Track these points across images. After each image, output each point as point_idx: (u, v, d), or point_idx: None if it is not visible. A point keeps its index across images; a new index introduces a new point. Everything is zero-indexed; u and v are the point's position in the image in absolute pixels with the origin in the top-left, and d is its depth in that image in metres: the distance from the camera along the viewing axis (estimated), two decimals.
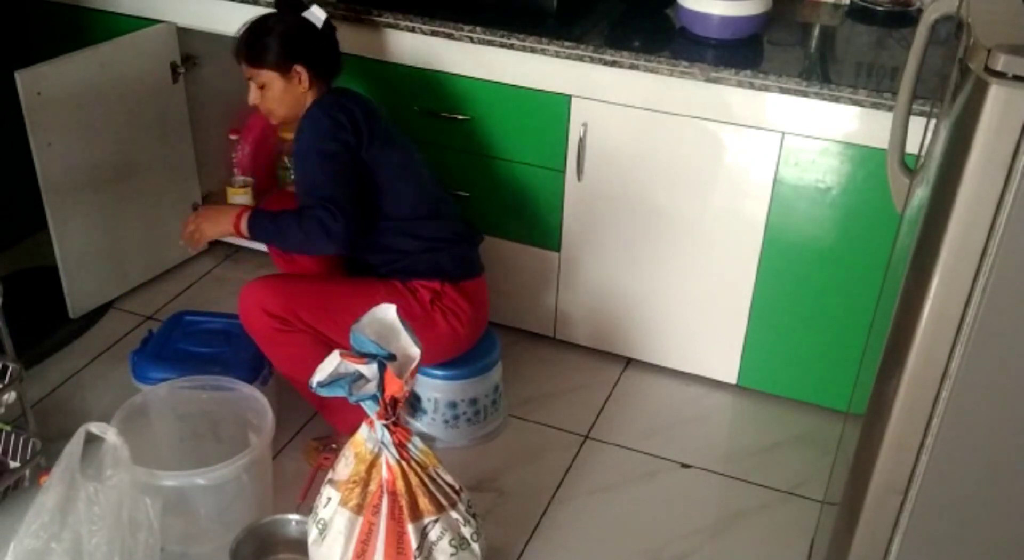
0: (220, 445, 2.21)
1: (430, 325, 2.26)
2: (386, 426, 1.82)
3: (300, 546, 2.01)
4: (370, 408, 1.82)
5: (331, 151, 2.21)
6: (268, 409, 2.14)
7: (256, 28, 2.29)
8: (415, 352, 1.84)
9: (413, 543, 1.85)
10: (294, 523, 2.08)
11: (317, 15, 2.30)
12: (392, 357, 1.81)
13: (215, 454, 2.07)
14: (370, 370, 1.80)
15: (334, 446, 2.30)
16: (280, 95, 2.28)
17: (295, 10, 2.31)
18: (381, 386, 1.79)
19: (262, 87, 2.28)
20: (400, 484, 1.85)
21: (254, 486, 2.10)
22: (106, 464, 1.86)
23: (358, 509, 1.88)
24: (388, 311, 1.88)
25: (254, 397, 2.19)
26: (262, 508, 2.14)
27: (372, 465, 1.88)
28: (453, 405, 2.42)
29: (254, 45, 2.27)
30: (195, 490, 2.02)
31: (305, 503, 2.08)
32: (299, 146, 2.25)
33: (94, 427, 1.88)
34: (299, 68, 2.26)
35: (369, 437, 1.88)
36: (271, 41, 2.25)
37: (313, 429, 2.49)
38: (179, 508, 2.02)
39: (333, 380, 1.81)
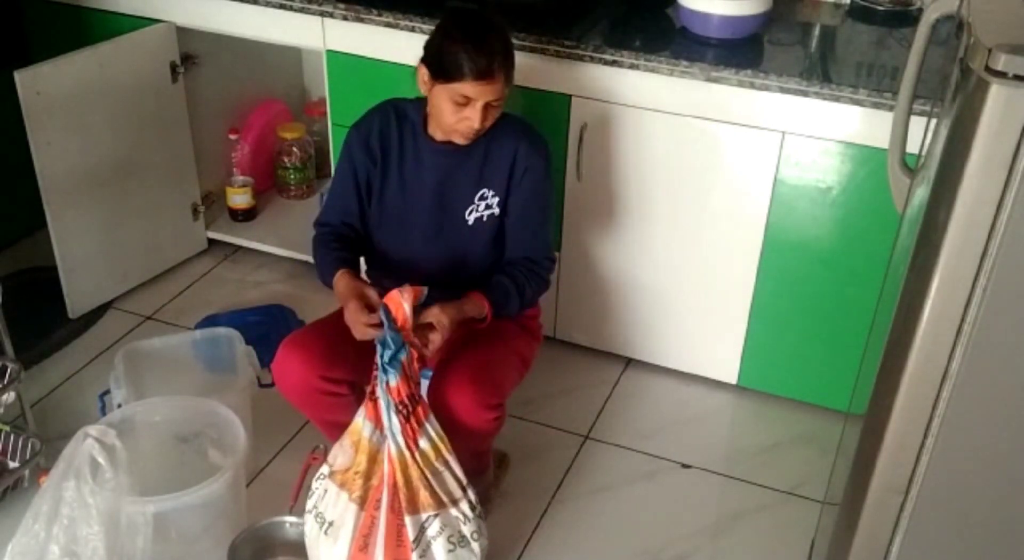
0: (205, 460, 2.18)
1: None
2: (398, 406, 1.84)
3: (297, 548, 2.02)
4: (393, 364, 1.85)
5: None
6: (241, 432, 2.08)
7: (505, 38, 1.98)
8: None
9: (410, 535, 1.86)
10: (288, 525, 2.08)
11: None
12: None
13: (200, 467, 2.06)
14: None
15: (321, 446, 2.27)
16: (499, 112, 2.03)
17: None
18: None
19: (497, 105, 1.98)
20: (400, 477, 1.86)
21: (228, 507, 2.06)
22: (104, 467, 1.86)
23: (361, 502, 1.89)
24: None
25: (230, 420, 2.12)
26: (237, 528, 2.09)
27: (374, 458, 1.89)
28: None
29: (512, 60, 1.98)
30: (170, 513, 1.96)
31: (297, 505, 2.08)
32: (536, 177, 2.10)
33: (93, 430, 1.88)
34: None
35: (366, 426, 1.89)
36: (513, 53, 2.01)
37: (304, 438, 2.47)
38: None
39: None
